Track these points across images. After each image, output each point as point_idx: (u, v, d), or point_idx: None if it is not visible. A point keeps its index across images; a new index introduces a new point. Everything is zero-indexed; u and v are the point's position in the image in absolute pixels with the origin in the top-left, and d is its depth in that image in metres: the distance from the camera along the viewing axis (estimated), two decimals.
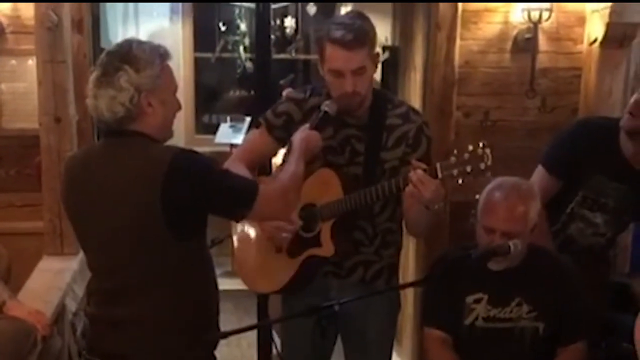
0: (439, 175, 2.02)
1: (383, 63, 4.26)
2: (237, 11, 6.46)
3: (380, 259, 2.38)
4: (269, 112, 2.40)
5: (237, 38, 6.46)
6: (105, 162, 1.90)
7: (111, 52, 1.89)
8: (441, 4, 3.27)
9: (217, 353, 2.08)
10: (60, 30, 3.08)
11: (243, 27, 6.45)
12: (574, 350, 2.39)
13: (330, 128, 2.28)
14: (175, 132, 2.04)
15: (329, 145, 2.29)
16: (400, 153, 2.27)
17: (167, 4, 6.13)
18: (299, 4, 6.39)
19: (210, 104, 6.82)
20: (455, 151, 2.02)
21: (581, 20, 3.35)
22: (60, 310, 2.86)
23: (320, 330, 1.86)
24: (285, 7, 6.41)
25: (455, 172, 2.01)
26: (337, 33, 2.12)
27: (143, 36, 5.58)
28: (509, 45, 3.35)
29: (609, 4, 3.14)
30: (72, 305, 3.01)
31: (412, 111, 2.34)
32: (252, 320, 3.60)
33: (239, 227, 2.46)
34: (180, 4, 6.17)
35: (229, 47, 6.48)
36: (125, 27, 5.64)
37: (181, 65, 6.06)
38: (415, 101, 3.69)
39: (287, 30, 6.52)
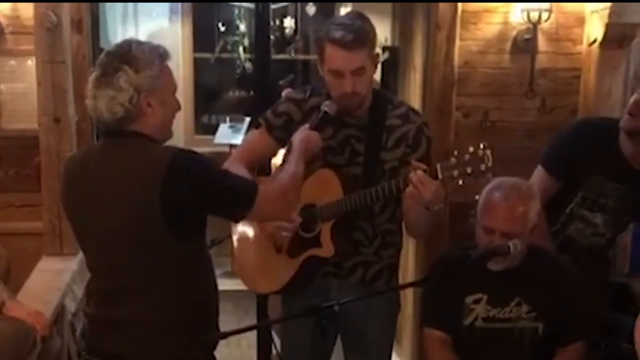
0: (439, 176, 2.02)
1: (383, 63, 4.26)
2: (236, 11, 6.46)
3: (380, 260, 2.38)
4: (268, 112, 2.40)
5: (236, 38, 6.46)
6: (105, 163, 1.90)
7: (110, 53, 1.89)
8: (441, 5, 3.27)
9: (216, 353, 2.08)
10: (60, 30, 3.08)
11: (242, 27, 6.45)
12: (573, 350, 2.39)
13: (330, 128, 2.28)
14: (175, 133, 2.04)
15: (328, 145, 2.29)
16: (400, 153, 2.27)
17: (167, 4, 6.13)
18: (299, 4, 6.39)
19: (209, 105, 6.82)
20: (455, 152, 2.02)
21: (580, 21, 3.35)
22: (60, 310, 2.86)
23: (320, 330, 1.86)
24: (285, 7, 6.41)
25: (455, 173, 2.00)
26: (337, 33, 2.12)
27: (142, 36, 5.58)
28: (508, 45, 3.35)
29: (609, 4, 3.14)
30: (71, 306, 3.01)
31: (412, 112, 2.34)
32: (252, 320, 3.60)
33: (238, 227, 2.46)
34: (179, 4, 6.17)
35: (229, 47, 6.48)
36: (124, 27, 5.64)
37: (180, 65, 6.06)
38: (415, 101, 3.69)
39: (287, 31, 6.52)
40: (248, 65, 6.43)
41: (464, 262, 2.24)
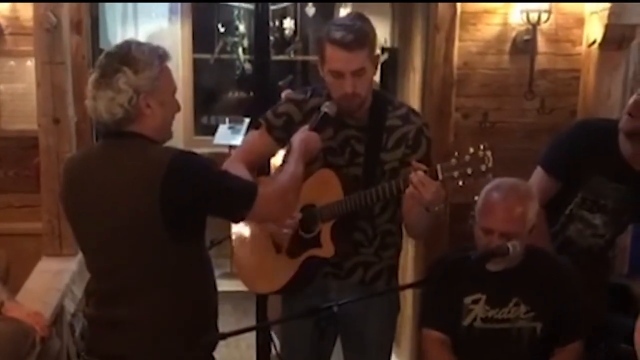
0: (440, 176, 2.02)
1: (382, 64, 4.26)
2: (236, 12, 6.46)
3: (380, 260, 2.38)
4: (269, 112, 2.40)
5: (236, 39, 6.47)
6: (104, 164, 1.90)
7: (110, 54, 1.89)
8: (440, 6, 3.27)
9: (215, 354, 2.08)
10: (59, 31, 3.08)
11: (242, 28, 6.46)
12: (571, 350, 2.40)
13: (330, 129, 2.28)
14: (174, 133, 2.04)
15: (329, 146, 2.29)
16: (400, 154, 2.27)
17: (166, 5, 6.13)
18: (298, 5, 6.40)
19: (209, 105, 6.82)
20: (456, 153, 2.02)
21: (580, 22, 3.35)
22: (59, 311, 2.86)
23: (320, 331, 1.86)
24: (284, 8, 6.42)
25: (455, 174, 2.00)
26: (337, 34, 2.13)
27: (142, 37, 5.58)
28: (507, 46, 3.35)
29: (608, 5, 3.14)
30: (70, 307, 3.01)
31: (412, 112, 2.35)
32: (251, 321, 3.59)
33: (238, 227, 2.46)
34: (179, 5, 6.18)
35: (228, 48, 6.48)
36: (124, 28, 5.64)
37: (180, 66, 6.06)
38: (414, 102, 3.69)
39: (286, 32, 6.53)
40: (247, 66, 6.43)
41: (463, 263, 2.24)
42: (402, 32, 4.18)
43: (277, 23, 6.44)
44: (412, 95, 3.84)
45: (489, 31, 3.34)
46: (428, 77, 3.47)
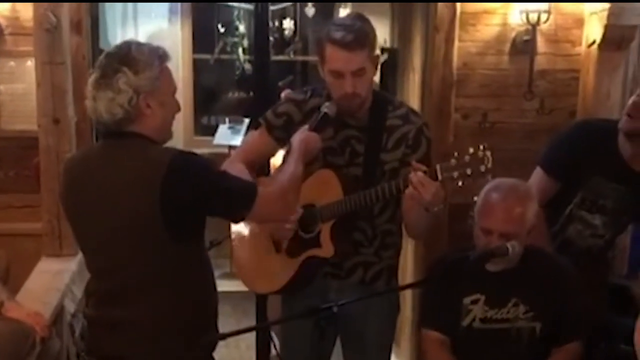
0: (439, 177, 2.02)
1: (382, 65, 4.26)
2: (235, 12, 6.47)
3: (380, 260, 2.38)
4: (269, 112, 2.40)
5: (235, 39, 6.47)
6: (104, 164, 1.91)
7: (110, 54, 1.90)
8: (439, 6, 3.27)
9: (215, 355, 2.09)
10: (59, 31, 3.09)
11: (242, 28, 6.46)
12: (569, 350, 2.40)
13: (330, 129, 2.28)
14: (174, 134, 2.05)
15: (329, 146, 2.30)
16: (400, 154, 2.27)
17: (166, 5, 6.13)
18: (298, 5, 6.40)
19: (209, 106, 6.82)
20: (455, 153, 2.02)
21: (579, 23, 3.35)
22: (59, 311, 2.86)
23: (319, 331, 1.86)
24: (284, 8, 6.42)
25: (455, 174, 2.00)
26: (337, 34, 2.13)
27: (142, 37, 5.59)
28: (507, 47, 3.36)
29: (607, 6, 3.14)
30: (70, 307, 3.01)
31: (412, 112, 2.35)
32: (251, 322, 3.59)
33: (238, 227, 2.46)
34: (179, 5, 6.18)
35: (228, 48, 6.49)
36: (124, 28, 5.64)
37: (180, 66, 6.06)
38: (414, 103, 3.69)
39: (286, 32, 6.53)
40: (247, 66, 6.43)
41: (462, 263, 2.24)
42: (402, 32, 4.18)
43: (276, 23, 6.45)
44: (412, 95, 3.84)
45: (488, 32, 3.34)
46: (427, 77, 3.47)
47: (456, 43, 3.31)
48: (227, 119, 6.09)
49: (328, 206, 2.26)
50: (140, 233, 1.86)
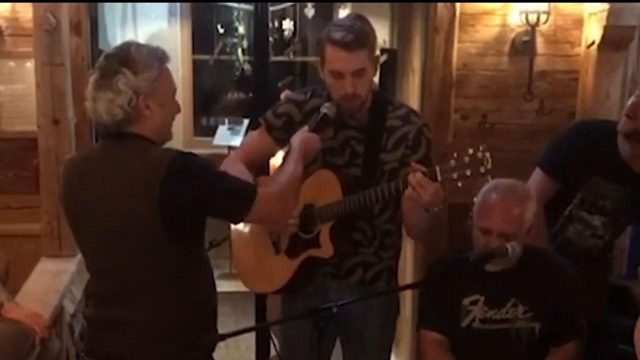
0: (439, 178, 2.02)
1: (381, 65, 4.26)
2: (235, 13, 6.47)
3: (380, 261, 2.38)
4: (269, 112, 2.40)
5: (235, 40, 6.48)
6: (104, 165, 1.91)
7: (110, 55, 1.90)
8: (439, 7, 3.27)
9: (215, 355, 2.09)
10: (59, 32, 3.09)
11: (241, 29, 6.47)
12: (567, 349, 2.40)
13: (330, 129, 2.28)
14: (174, 134, 2.05)
15: (329, 146, 2.30)
16: (399, 155, 2.28)
17: (165, 6, 6.14)
18: (297, 6, 6.40)
19: (208, 106, 6.83)
20: (455, 154, 2.01)
21: (579, 23, 3.35)
22: (59, 312, 2.86)
23: (318, 332, 1.86)
24: (284, 9, 6.43)
25: (454, 175, 2.00)
26: (338, 34, 2.13)
27: (141, 38, 5.60)
28: (506, 47, 3.35)
29: (607, 6, 3.15)
30: (70, 307, 3.01)
31: (412, 113, 2.35)
32: (250, 322, 3.59)
33: (238, 228, 2.46)
34: (178, 6, 6.18)
35: (227, 49, 6.49)
36: (123, 29, 5.65)
37: (179, 67, 6.07)
38: (414, 103, 3.69)
39: (285, 33, 6.53)
40: (247, 67, 6.44)
41: (461, 264, 2.24)
42: (401, 33, 4.18)
43: (276, 24, 6.45)
44: (411, 96, 3.84)
45: (488, 32, 3.34)
46: (427, 78, 3.47)
47: (456, 44, 3.31)
48: (226, 120, 6.09)
49: (327, 206, 2.26)
50: (140, 234, 1.86)
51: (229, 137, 5.82)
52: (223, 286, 2.55)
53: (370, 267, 2.37)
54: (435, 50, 3.32)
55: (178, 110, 1.99)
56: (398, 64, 4.21)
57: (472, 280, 2.36)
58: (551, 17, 3.27)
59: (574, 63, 3.39)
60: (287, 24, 6.51)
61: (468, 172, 1.99)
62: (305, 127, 2.22)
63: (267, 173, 2.71)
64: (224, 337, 1.88)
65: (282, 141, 2.36)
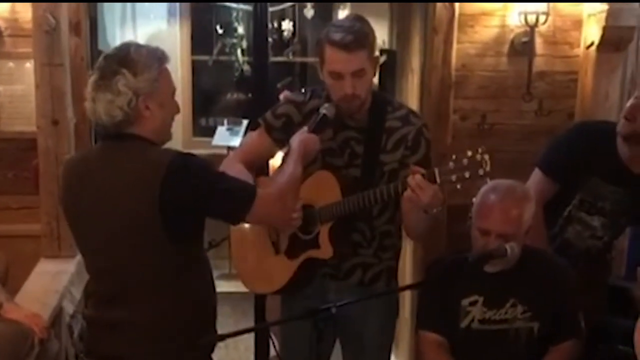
0: (437, 180, 2.02)
1: (380, 66, 4.26)
2: (234, 14, 6.47)
3: (380, 262, 2.38)
4: (268, 113, 2.40)
5: (234, 41, 6.48)
6: (104, 165, 1.91)
7: (109, 56, 1.90)
8: (438, 8, 3.28)
9: (214, 356, 2.09)
10: (58, 33, 3.09)
11: (240, 29, 6.47)
12: (565, 348, 2.40)
13: (330, 130, 2.28)
14: (173, 135, 2.05)
15: (328, 147, 2.30)
16: (399, 156, 2.28)
17: (165, 7, 6.14)
18: (297, 6, 6.40)
19: (207, 107, 6.83)
20: (453, 156, 2.01)
21: (578, 24, 3.35)
22: (58, 312, 2.86)
23: (318, 332, 1.86)
24: (283, 10, 6.42)
25: (453, 177, 2.00)
26: (337, 35, 2.13)
27: (140, 38, 5.59)
28: (505, 48, 3.36)
29: (606, 7, 3.15)
30: (69, 308, 3.01)
31: (411, 114, 2.35)
32: (250, 323, 3.59)
33: (237, 228, 2.46)
34: (177, 6, 6.18)
35: (227, 49, 6.49)
36: (122, 29, 5.65)
37: (178, 67, 6.07)
38: (413, 104, 3.69)
39: (285, 33, 6.53)
40: (246, 67, 6.44)
41: (460, 265, 2.25)
42: (401, 34, 4.18)
43: (275, 25, 6.45)
44: (411, 97, 3.84)
45: (487, 33, 3.35)
46: (426, 79, 3.47)
47: (455, 44, 3.31)
48: (225, 121, 6.09)
49: (327, 207, 2.26)
50: (140, 234, 1.86)
51: (228, 137, 5.82)
52: (222, 286, 2.55)
53: (370, 268, 2.37)
54: (434, 50, 3.32)
55: (177, 110, 1.99)
56: (397, 64, 4.21)
57: (471, 281, 2.36)
58: (550, 18, 3.27)
59: (573, 64, 3.39)
60: (287, 25, 6.51)
61: (467, 175, 1.98)
62: (305, 128, 2.22)
63: (267, 174, 2.71)
64: (223, 337, 1.88)
65: (281, 142, 2.36)
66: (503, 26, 3.34)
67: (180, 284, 1.93)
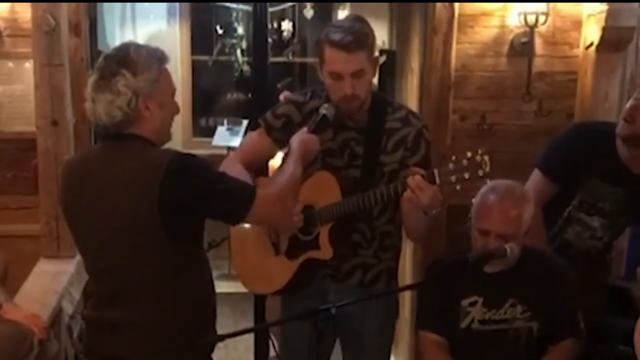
0: (437, 181, 2.02)
1: (380, 66, 4.26)
2: (234, 14, 6.47)
3: (379, 262, 2.38)
4: (268, 113, 2.40)
5: (234, 41, 6.48)
6: (103, 166, 1.91)
7: (109, 56, 1.90)
8: (437, 8, 3.28)
9: (214, 356, 2.09)
10: (58, 33, 3.09)
11: (240, 30, 6.47)
12: (564, 347, 2.40)
13: (330, 131, 2.28)
14: (173, 135, 2.05)
15: (328, 147, 2.30)
16: (399, 157, 2.28)
17: (164, 7, 6.14)
18: (296, 7, 6.40)
19: (207, 107, 6.83)
20: (453, 157, 2.01)
21: (577, 24, 3.35)
22: (57, 313, 2.86)
23: (317, 333, 1.86)
24: (283, 10, 6.42)
25: (453, 178, 2.00)
26: (336, 35, 2.13)
27: (140, 39, 5.59)
28: (505, 49, 3.36)
29: (605, 7, 3.15)
30: (68, 308, 3.01)
31: (411, 115, 2.35)
32: (249, 323, 3.60)
33: (237, 229, 2.46)
34: (177, 7, 6.18)
35: (226, 50, 6.49)
36: (122, 30, 5.65)
37: (178, 68, 6.08)
38: (412, 105, 3.69)
39: (284, 34, 6.53)
40: (246, 68, 6.44)
41: (459, 265, 2.25)
42: (400, 34, 4.18)
43: (275, 25, 6.45)
44: (410, 97, 3.84)
45: (486, 33, 3.34)
46: (426, 79, 3.47)
47: (454, 45, 3.31)
48: (225, 121, 6.10)
49: (327, 208, 2.26)
50: (140, 234, 1.86)
51: (228, 137, 5.83)
52: (222, 287, 2.55)
53: (370, 269, 2.37)
54: (433, 51, 3.32)
55: (177, 111, 1.99)
56: (397, 65, 4.21)
57: (471, 281, 2.36)
58: (550, 18, 3.27)
59: (573, 64, 3.39)
60: (286, 25, 6.51)
61: (466, 176, 1.99)
62: (305, 128, 2.23)
63: (267, 174, 2.71)
64: (223, 337, 1.88)
65: (281, 142, 2.36)
66: (503, 26, 3.34)
67: (180, 284, 1.93)
